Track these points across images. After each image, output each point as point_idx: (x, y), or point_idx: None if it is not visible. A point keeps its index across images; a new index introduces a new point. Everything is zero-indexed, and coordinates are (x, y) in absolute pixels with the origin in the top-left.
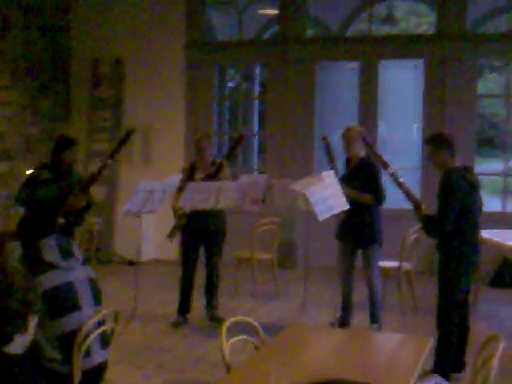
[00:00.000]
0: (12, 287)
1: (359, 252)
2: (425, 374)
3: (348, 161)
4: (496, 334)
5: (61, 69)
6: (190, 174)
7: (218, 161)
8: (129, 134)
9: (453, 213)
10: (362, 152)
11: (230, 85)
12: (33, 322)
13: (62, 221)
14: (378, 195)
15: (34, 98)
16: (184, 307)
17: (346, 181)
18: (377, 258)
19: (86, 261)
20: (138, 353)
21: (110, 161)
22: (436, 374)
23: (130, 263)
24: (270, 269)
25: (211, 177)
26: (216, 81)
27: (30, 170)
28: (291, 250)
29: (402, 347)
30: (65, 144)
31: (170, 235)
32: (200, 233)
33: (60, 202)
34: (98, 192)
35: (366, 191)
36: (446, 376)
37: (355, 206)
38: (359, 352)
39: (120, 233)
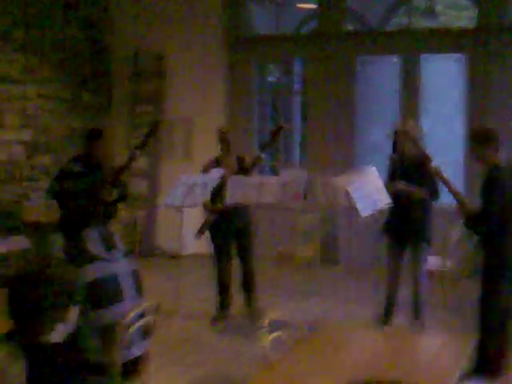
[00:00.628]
0: (53, 277)
1: (408, 248)
2: (467, 376)
3: (403, 155)
4: None
5: (102, 63)
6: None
7: (256, 155)
8: (156, 125)
9: (496, 210)
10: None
11: (270, 79)
12: (73, 312)
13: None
14: (433, 191)
15: (75, 91)
16: (223, 303)
17: (401, 175)
18: (426, 256)
19: (129, 253)
20: (177, 346)
21: (138, 152)
22: (478, 376)
23: (172, 256)
24: (312, 265)
25: (246, 171)
26: (256, 76)
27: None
28: (333, 246)
29: (443, 347)
30: (93, 136)
31: (199, 232)
32: (229, 229)
33: (91, 195)
34: (139, 185)
35: (421, 187)
36: (489, 378)
37: (409, 202)
38: (399, 351)
39: (162, 226)
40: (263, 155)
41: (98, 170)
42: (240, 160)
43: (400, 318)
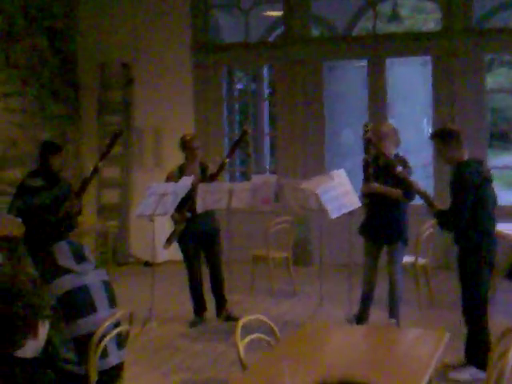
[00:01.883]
0: (23, 292)
1: (384, 248)
2: (460, 367)
3: (377, 156)
4: None
5: (69, 73)
6: (179, 177)
7: (221, 159)
8: (116, 136)
9: (466, 206)
10: (392, 148)
11: (239, 86)
12: (43, 328)
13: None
14: (408, 191)
15: (43, 103)
16: (198, 307)
17: (375, 176)
18: (402, 255)
19: (103, 263)
20: (154, 353)
21: (100, 164)
22: (471, 366)
23: (146, 264)
24: (286, 267)
25: (212, 176)
26: (224, 82)
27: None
28: (306, 248)
29: (419, 342)
30: (49, 150)
31: (167, 242)
32: (196, 235)
33: (55, 209)
34: (111, 195)
35: (396, 187)
36: (482, 368)
37: (384, 202)
38: (376, 348)
39: (135, 235)
40: (227, 160)
41: (57, 183)
42: (203, 167)
43: (375, 316)
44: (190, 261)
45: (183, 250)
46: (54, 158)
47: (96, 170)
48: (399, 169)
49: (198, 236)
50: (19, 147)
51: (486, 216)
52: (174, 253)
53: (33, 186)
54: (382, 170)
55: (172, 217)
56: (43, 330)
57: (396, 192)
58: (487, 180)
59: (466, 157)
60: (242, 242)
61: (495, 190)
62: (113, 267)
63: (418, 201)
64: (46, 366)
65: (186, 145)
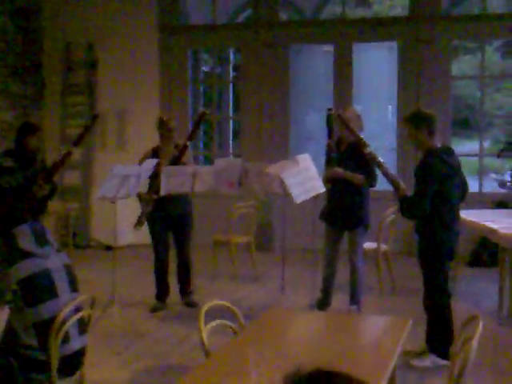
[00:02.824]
0: None
1: (345, 234)
2: (421, 354)
3: (339, 141)
4: (476, 313)
5: (33, 53)
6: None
7: (182, 143)
8: (94, 120)
9: (429, 194)
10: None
11: (205, 69)
12: (3, 311)
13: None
14: (371, 177)
15: (5, 83)
16: (161, 292)
17: (337, 161)
18: (363, 241)
19: (63, 246)
20: (116, 338)
21: (74, 148)
22: (433, 354)
23: (108, 248)
24: (248, 252)
25: (176, 159)
26: (190, 64)
27: None
28: (268, 233)
29: (382, 329)
30: (27, 130)
31: (137, 224)
32: (166, 218)
33: (24, 191)
34: (72, 177)
35: (358, 172)
36: (443, 357)
37: (346, 187)
38: (339, 335)
39: (96, 218)
40: (188, 143)
41: (31, 164)
42: (178, 147)
43: (338, 303)
44: (157, 244)
45: (151, 232)
46: (31, 138)
47: (68, 154)
48: (369, 149)
49: (167, 218)
50: None
51: (447, 208)
52: (136, 236)
53: (4, 166)
54: (343, 154)
55: (139, 197)
56: (3, 314)
57: (359, 177)
58: (454, 170)
59: (437, 144)
60: (204, 226)
61: (465, 178)
62: (73, 250)
63: (381, 186)
64: (6, 352)
65: (161, 125)
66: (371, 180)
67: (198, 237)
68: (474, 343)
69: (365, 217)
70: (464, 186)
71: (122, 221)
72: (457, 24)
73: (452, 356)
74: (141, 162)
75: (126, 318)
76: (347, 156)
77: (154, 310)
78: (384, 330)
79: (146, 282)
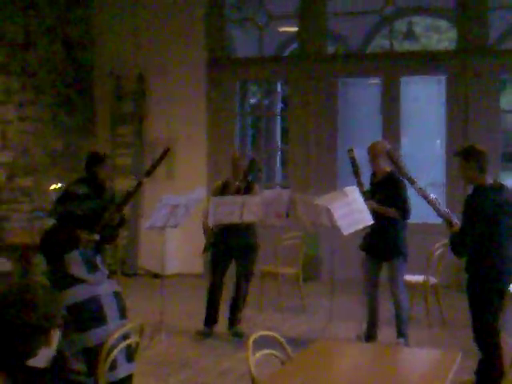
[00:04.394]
0: (35, 301)
1: (384, 265)
2: None
3: (373, 175)
4: None
5: (84, 84)
6: (222, 192)
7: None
8: (165, 152)
9: (469, 235)
10: (387, 167)
11: (252, 101)
12: (55, 336)
13: (97, 237)
14: (404, 210)
15: (56, 112)
16: (210, 318)
17: (371, 195)
18: (401, 271)
19: (112, 274)
20: (162, 366)
21: (145, 179)
22: None
23: (156, 276)
24: (295, 283)
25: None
26: (238, 97)
27: (57, 185)
28: (316, 264)
29: (430, 363)
30: (96, 160)
31: (204, 251)
32: (229, 248)
33: (95, 219)
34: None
35: (392, 206)
36: None
37: (380, 220)
38: (386, 368)
39: (145, 247)
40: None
41: (102, 192)
42: (248, 184)
43: (387, 335)
44: (215, 270)
45: (211, 257)
46: (100, 168)
47: (140, 185)
48: (418, 185)
49: (228, 249)
50: (31, 155)
51: (495, 248)
52: (184, 265)
53: (77, 193)
54: (377, 188)
55: (203, 225)
56: (55, 338)
57: (390, 212)
58: (503, 208)
59: (488, 180)
60: None
61: None
62: (122, 278)
63: (429, 219)
64: (56, 377)
65: (232, 162)
66: (403, 214)
67: None
68: None
69: (402, 247)
70: None
71: (170, 249)
72: (505, 57)
73: None
74: (213, 195)
75: (172, 346)
76: (380, 189)
77: (200, 333)
78: (433, 364)
79: (193, 311)
